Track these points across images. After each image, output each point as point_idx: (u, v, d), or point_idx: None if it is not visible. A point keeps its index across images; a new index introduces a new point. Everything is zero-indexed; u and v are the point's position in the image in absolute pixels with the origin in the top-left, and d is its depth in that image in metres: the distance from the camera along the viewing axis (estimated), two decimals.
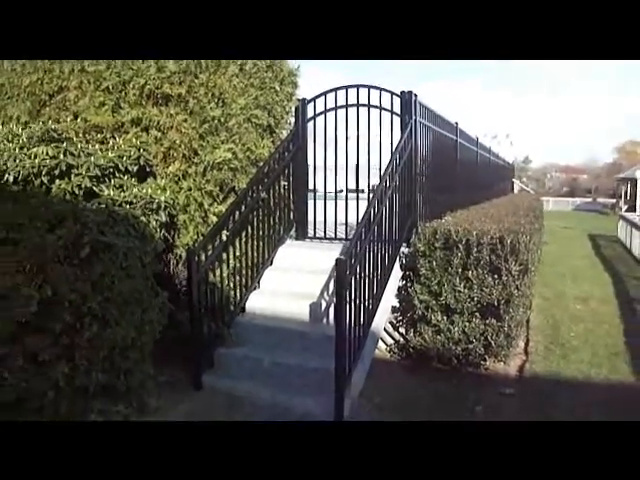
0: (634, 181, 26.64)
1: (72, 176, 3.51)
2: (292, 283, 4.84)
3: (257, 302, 4.73)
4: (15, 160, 3.45)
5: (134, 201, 3.53)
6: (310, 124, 5.44)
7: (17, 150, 3.50)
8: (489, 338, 4.29)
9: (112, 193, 3.45)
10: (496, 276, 4.20)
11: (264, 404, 3.81)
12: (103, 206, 3.39)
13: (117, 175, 3.65)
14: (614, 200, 31.74)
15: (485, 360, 4.48)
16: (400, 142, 4.73)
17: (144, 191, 3.56)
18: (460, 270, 4.30)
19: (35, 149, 3.53)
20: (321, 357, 4.05)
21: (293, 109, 5.34)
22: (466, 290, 4.27)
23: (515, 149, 33.62)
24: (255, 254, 4.75)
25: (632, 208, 23.68)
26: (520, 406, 4.03)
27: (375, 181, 5.60)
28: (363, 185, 5.79)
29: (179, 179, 4.06)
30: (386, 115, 5.18)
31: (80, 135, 4.09)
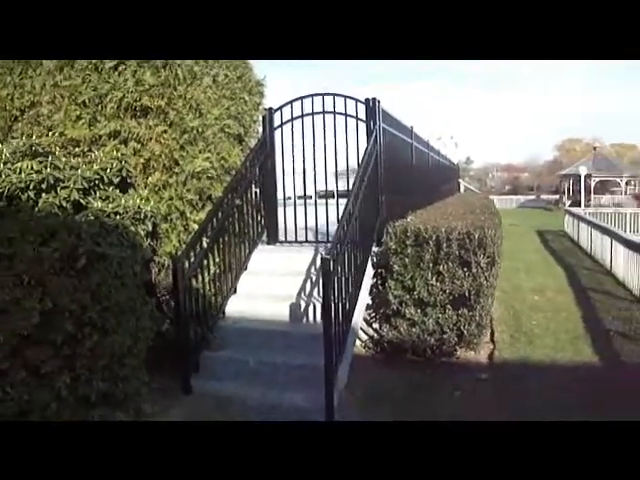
0: (576, 177, 28.09)
1: (58, 189, 3.56)
2: (268, 286, 4.99)
3: (236, 306, 4.86)
4: (0, 175, 3.46)
5: (121, 212, 3.61)
6: (277, 132, 5.62)
7: (1, 165, 3.51)
8: (462, 328, 4.58)
9: (100, 205, 3.52)
10: (466, 269, 4.50)
11: (254, 403, 3.94)
12: (92, 217, 3.46)
13: (102, 187, 3.71)
14: (557, 196, 33.36)
15: (457, 349, 4.77)
16: (367, 148, 4.99)
17: (130, 202, 3.65)
18: (431, 265, 4.58)
19: (19, 164, 3.56)
20: (305, 354, 4.23)
21: (260, 118, 5.51)
22: (438, 283, 4.55)
23: (459, 150, 34.79)
24: (232, 259, 4.89)
25: (575, 203, 24.93)
26: (495, 389, 4.33)
27: (342, 185, 5.88)
28: (327, 189, 6.01)
29: (159, 189, 4.16)
30: (351, 121, 5.43)
31: (57, 149, 4.12)
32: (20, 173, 3.53)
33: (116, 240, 3.38)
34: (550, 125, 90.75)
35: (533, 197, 38.39)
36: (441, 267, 4.54)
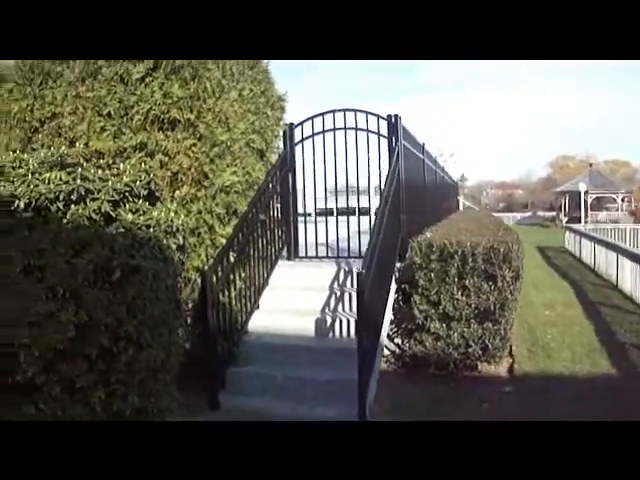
0: (573, 194, 28.30)
1: (88, 201, 3.50)
2: (291, 301, 4.95)
3: (260, 321, 4.81)
4: (29, 185, 3.41)
5: (152, 224, 3.56)
6: (298, 147, 5.62)
7: (30, 175, 3.45)
8: (487, 341, 4.56)
9: (131, 217, 3.46)
10: (491, 283, 4.49)
11: (285, 418, 3.86)
12: (122, 230, 3.41)
13: (131, 199, 3.66)
14: (554, 213, 33.58)
15: (482, 362, 4.74)
16: (391, 165, 4.99)
17: (162, 215, 3.60)
18: (457, 279, 4.56)
19: (47, 174, 3.51)
20: (331, 369, 4.19)
21: (281, 133, 5.50)
22: (464, 297, 4.53)
23: (458, 167, 35.04)
24: (256, 274, 4.84)
25: (572, 220, 25.10)
26: (520, 402, 4.31)
27: (362, 202, 5.87)
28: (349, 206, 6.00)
29: (187, 202, 4.12)
30: (369, 137, 5.44)
31: (81, 161, 4.07)
32: (49, 184, 3.47)
33: (149, 253, 3.33)
34: (543, 142, 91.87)
35: (529, 214, 38.61)
36: (467, 281, 4.53)
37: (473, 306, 4.53)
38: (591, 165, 32.74)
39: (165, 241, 3.52)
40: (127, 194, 3.71)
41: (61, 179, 3.55)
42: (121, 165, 3.94)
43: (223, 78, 4.24)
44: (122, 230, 3.37)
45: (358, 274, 3.70)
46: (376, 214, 4.42)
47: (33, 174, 3.56)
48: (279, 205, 5.33)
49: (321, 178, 5.54)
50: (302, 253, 5.75)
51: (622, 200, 30.21)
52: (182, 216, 3.78)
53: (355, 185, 5.55)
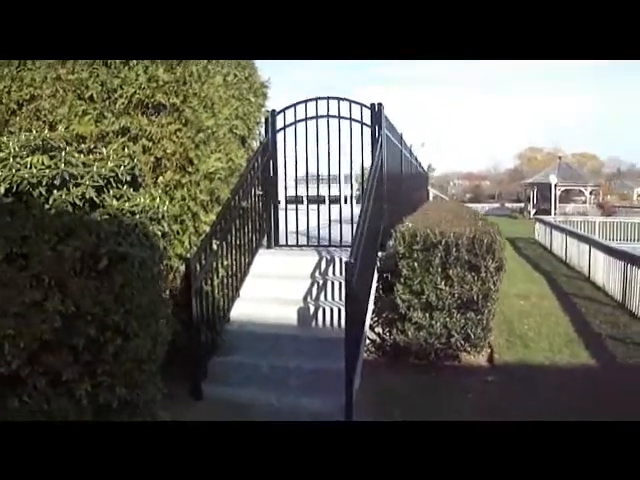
0: (543, 185, 28.79)
1: (71, 186, 3.40)
2: (273, 290, 4.92)
3: (242, 310, 4.77)
4: (10, 169, 3.28)
5: (137, 211, 3.48)
6: (279, 135, 5.56)
7: (11, 159, 3.33)
8: (469, 331, 4.62)
9: (117, 203, 3.37)
10: (474, 273, 4.55)
11: (271, 408, 3.86)
12: (108, 217, 3.32)
13: (115, 185, 3.57)
14: (521, 204, 34.16)
15: (464, 352, 4.81)
16: (375, 153, 4.98)
17: (148, 201, 3.52)
18: (440, 269, 4.60)
19: (29, 158, 3.39)
20: (316, 358, 4.20)
21: (263, 120, 5.44)
22: (447, 287, 4.57)
23: (428, 157, 35.15)
24: (238, 263, 4.79)
25: (541, 211, 25.58)
26: (504, 391, 4.38)
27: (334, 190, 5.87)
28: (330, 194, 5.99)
29: (170, 189, 4.03)
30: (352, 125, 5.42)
31: (63, 145, 3.94)
32: (30, 168, 3.35)
33: (136, 240, 3.25)
34: (511, 133, 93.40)
35: (497, 205, 39.15)
36: (450, 271, 4.56)
37: (456, 296, 4.58)
38: (560, 158, 33.39)
39: (151, 228, 3.44)
40: (111, 180, 3.62)
41: (43, 163, 3.44)
42: (103, 150, 3.83)
43: (209, 63, 4.15)
44: (107, 217, 3.29)
45: (347, 263, 3.69)
46: (361, 202, 4.42)
47: (14, 158, 3.44)
48: (260, 193, 5.27)
49: (293, 166, 5.51)
50: (282, 241, 5.73)
51: (590, 193, 30.98)
52: (166, 203, 3.71)
53: (326, 173, 5.55)
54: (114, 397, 3.00)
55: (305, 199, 5.76)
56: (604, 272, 8.10)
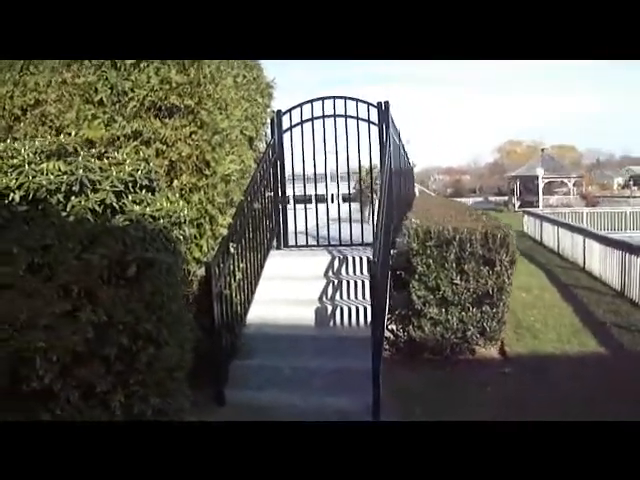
0: (526, 178, 29.07)
1: (89, 192, 3.33)
2: (287, 291, 4.89)
3: (257, 312, 4.72)
4: (27, 176, 3.20)
5: (158, 215, 3.42)
6: (286, 135, 5.52)
7: (27, 166, 3.24)
8: (485, 324, 4.65)
9: (138, 208, 3.31)
10: (489, 267, 4.57)
11: (297, 410, 3.82)
12: (129, 222, 3.26)
13: (134, 190, 3.50)
14: (505, 197, 34.51)
15: (479, 345, 4.83)
16: (385, 152, 4.98)
17: (168, 205, 3.46)
18: (455, 265, 4.61)
19: (44, 164, 3.31)
20: (337, 358, 4.18)
21: (268, 120, 5.39)
22: (463, 282, 4.59)
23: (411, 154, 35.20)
24: (253, 265, 4.75)
25: (525, 204, 25.86)
26: (520, 381, 4.43)
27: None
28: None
29: (186, 192, 3.97)
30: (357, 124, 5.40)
31: (73, 150, 3.86)
32: (47, 174, 3.27)
33: (161, 246, 3.20)
34: (491, 128, 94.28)
35: (481, 199, 39.43)
36: (466, 266, 4.58)
37: (472, 290, 4.60)
38: (543, 150, 33.78)
39: (174, 233, 3.39)
40: (129, 184, 3.55)
41: (60, 169, 3.36)
42: (116, 154, 3.76)
43: (220, 64, 4.10)
44: (130, 222, 3.22)
45: (370, 263, 3.68)
46: (378, 200, 4.41)
47: (29, 164, 3.36)
48: (270, 194, 5.23)
49: (301, 166, 5.49)
50: (291, 242, 5.70)
51: (573, 184, 31.42)
52: (185, 206, 3.65)
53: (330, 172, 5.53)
54: (148, 407, 2.94)
55: (314, 198, 5.72)
56: (601, 262, 8.20)
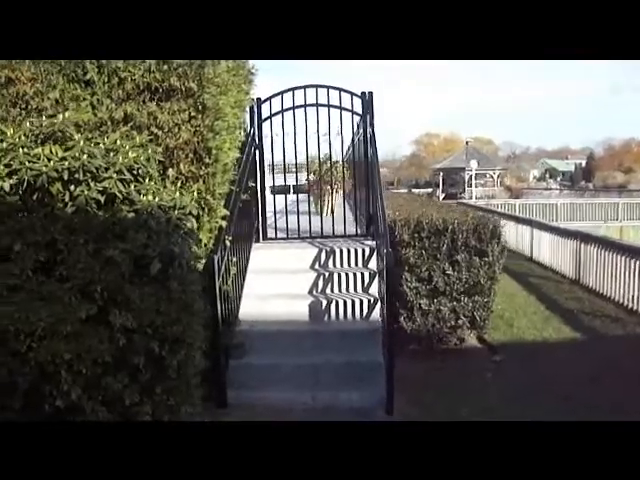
0: (452, 170, 29.94)
1: (89, 180, 3.01)
2: (276, 285, 4.71)
3: (248, 308, 4.52)
4: (23, 162, 2.85)
5: (167, 206, 3.16)
6: (265, 124, 5.33)
7: (20, 151, 2.88)
8: (475, 314, 4.73)
9: (147, 199, 3.03)
10: (480, 257, 4.65)
11: (308, 407, 3.72)
12: (139, 214, 2.99)
13: (136, 179, 3.21)
14: (429, 190, 35.62)
15: (470, 334, 4.92)
16: (368, 143, 4.93)
17: (177, 195, 3.20)
18: (447, 256, 4.65)
19: (38, 149, 2.97)
20: (340, 352, 4.09)
21: (247, 108, 5.17)
22: (455, 273, 4.64)
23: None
24: (241, 259, 4.54)
25: (450, 196, 26.85)
26: (516, 367, 4.58)
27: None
28: None
29: (184, 181, 3.70)
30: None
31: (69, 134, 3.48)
32: (43, 160, 2.92)
33: (179, 239, 2.94)
34: (407, 119, 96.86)
35: (405, 191, 40.37)
36: (458, 257, 4.63)
37: (464, 280, 4.66)
38: (467, 143, 35.10)
39: (188, 224, 3.14)
40: (135, 173, 3.25)
41: (57, 154, 3.01)
42: (105, 139, 3.43)
43: None
44: (143, 214, 2.94)
45: (386, 254, 3.61)
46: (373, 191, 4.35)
47: (22, 149, 2.98)
48: (252, 184, 5.03)
49: (281, 155, 5.34)
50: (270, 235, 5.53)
51: (497, 176, 32.99)
52: (192, 196, 3.41)
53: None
54: (179, 416, 2.70)
55: (292, 188, 5.57)
56: (552, 252, 8.60)
